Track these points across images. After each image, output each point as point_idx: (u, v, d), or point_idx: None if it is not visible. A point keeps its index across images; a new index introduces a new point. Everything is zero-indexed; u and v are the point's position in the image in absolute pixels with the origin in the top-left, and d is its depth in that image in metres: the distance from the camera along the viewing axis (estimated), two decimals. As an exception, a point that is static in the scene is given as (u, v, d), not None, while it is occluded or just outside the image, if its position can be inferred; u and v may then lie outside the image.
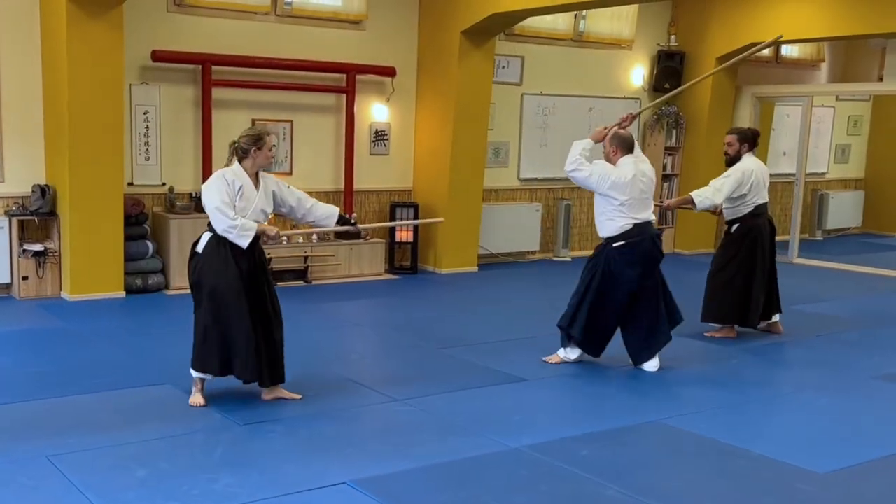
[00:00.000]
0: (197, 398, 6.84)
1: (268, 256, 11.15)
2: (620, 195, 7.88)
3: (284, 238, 11.31)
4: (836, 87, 17.23)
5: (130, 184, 10.96)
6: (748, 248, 9.30)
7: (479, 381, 7.70)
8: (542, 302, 10.99)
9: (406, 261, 12.85)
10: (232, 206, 6.59)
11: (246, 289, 6.66)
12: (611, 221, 8.00)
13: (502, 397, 7.31)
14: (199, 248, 6.76)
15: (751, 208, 9.26)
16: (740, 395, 7.60)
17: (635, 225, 7.95)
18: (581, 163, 7.99)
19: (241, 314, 6.64)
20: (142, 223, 10.88)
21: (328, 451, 6.00)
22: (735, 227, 9.34)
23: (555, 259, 14.32)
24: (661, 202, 9.51)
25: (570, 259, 14.32)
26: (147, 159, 11.10)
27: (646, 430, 6.66)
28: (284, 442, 6.16)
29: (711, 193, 9.08)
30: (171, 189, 11.13)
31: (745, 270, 9.30)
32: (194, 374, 6.86)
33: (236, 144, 6.76)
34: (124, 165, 10.60)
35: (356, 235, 11.92)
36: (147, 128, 11.05)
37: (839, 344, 9.46)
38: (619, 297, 8.06)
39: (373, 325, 9.82)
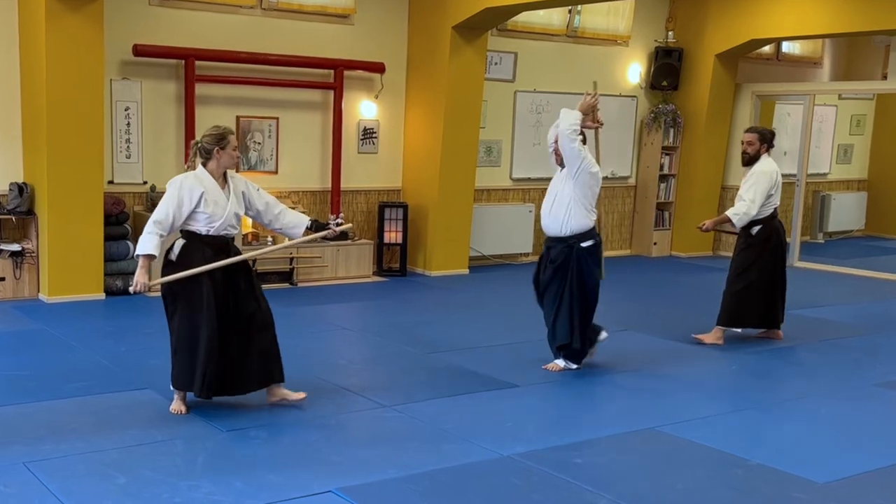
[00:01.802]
0: (178, 405, 6.82)
1: (254, 259, 11.20)
2: (598, 185, 7.98)
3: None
4: (839, 86, 17.27)
5: (111, 182, 10.97)
6: (772, 250, 9.44)
7: (470, 387, 7.72)
8: (534, 306, 10.98)
9: (395, 263, 12.87)
10: (167, 224, 6.55)
11: (220, 297, 6.63)
12: (588, 215, 8.02)
13: (493, 404, 7.33)
14: (173, 257, 6.71)
15: (771, 209, 9.40)
16: (738, 402, 7.63)
17: (596, 221, 8.02)
18: (579, 134, 7.96)
19: (210, 324, 6.58)
20: (122, 223, 10.89)
21: (314, 459, 6.01)
22: (757, 228, 9.39)
23: (548, 261, 14.33)
24: (702, 226, 9.57)
25: (564, 261, 14.33)
26: (128, 157, 11.11)
27: (641, 437, 6.68)
28: (268, 449, 6.17)
29: (748, 208, 9.18)
30: (152, 188, 11.13)
31: (768, 272, 9.41)
32: (171, 387, 6.86)
33: (199, 145, 6.71)
34: (104, 163, 10.59)
35: (344, 236, 11.91)
36: (128, 124, 11.05)
37: (841, 350, 9.49)
38: (592, 298, 8.14)
39: (360, 329, 9.82)
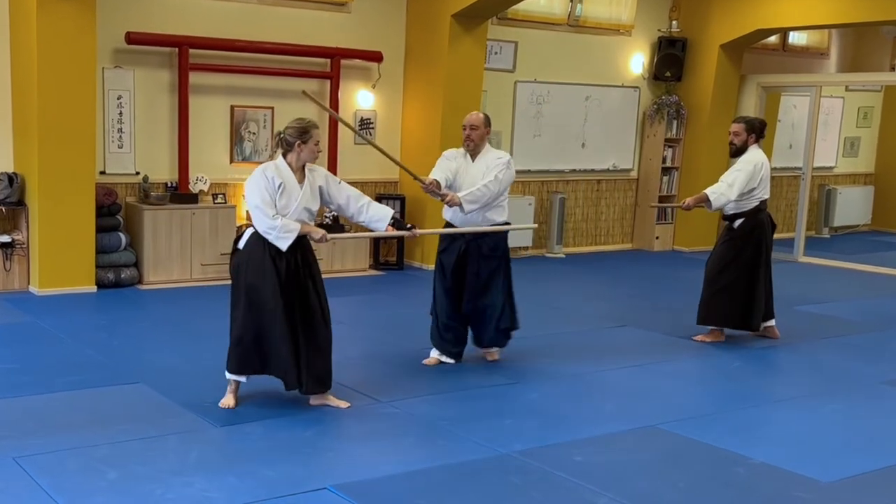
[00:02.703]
0: (227, 399, 6.85)
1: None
2: None
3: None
4: (846, 77, 17.29)
5: (103, 172, 10.97)
6: (754, 246, 9.29)
7: (468, 384, 7.74)
8: (533, 301, 11.01)
9: (392, 256, 12.88)
10: (273, 204, 6.55)
11: (284, 290, 6.64)
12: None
13: (491, 400, 7.36)
14: (241, 245, 6.75)
15: (756, 203, 9.24)
16: (740, 399, 7.65)
17: None
18: (490, 187, 7.94)
19: (276, 317, 6.61)
20: (114, 214, 10.89)
21: (309, 455, 6.03)
22: (739, 222, 9.29)
23: (548, 256, 14.35)
24: (682, 204, 9.46)
25: (563, 256, 14.36)
26: (120, 147, 11.11)
27: (642, 435, 6.71)
28: (263, 445, 6.19)
29: (726, 189, 9.04)
30: (145, 178, 11.13)
31: (750, 269, 9.27)
32: (228, 376, 6.86)
33: (281, 136, 6.70)
34: (96, 153, 10.60)
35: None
36: (120, 114, 11.06)
37: (846, 347, 9.51)
38: None
39: (356, 324, 9.83)
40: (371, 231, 7.23)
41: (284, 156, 6.71)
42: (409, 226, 7.25)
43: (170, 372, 7.67)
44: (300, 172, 6.74)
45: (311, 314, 6.77)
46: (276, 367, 6.74)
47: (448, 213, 8.18)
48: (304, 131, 6.65)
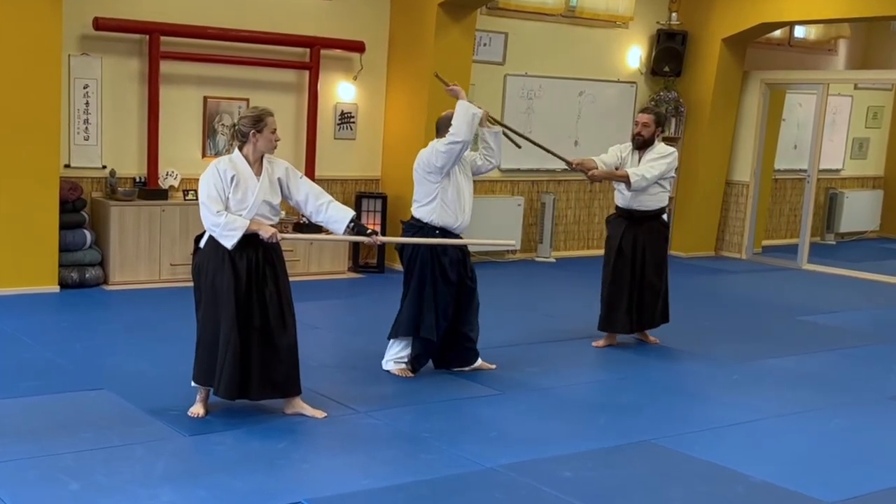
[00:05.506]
0: (197, 408, 6.84)
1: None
2: None
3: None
4: (855, 75, 17.33)
5: (67, 166, 10.95)
6: (666, 240, 9.60)
7: (451, 393, 7.75)
8: (521, 307, 11.03)
9: (372, 258, 12.87)
10: (220, 200, 6.53)
11: (242, 291, 6.62)
12: None
13: (476, 411, 7.37)
14: (201, 244, 6.76)
15: (668, 197, 9.44)
16: (740, 413, 7.65)
17: None
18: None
19: (229, 319, 6.59)
20: (79, 210, 10.87)
21: (282, 467, 6.04)
22: (664, 218, 9.47)
23: (537, 259, 14.36)
24: (588, 172, 9.44)
25: (553, 260, 14.37)
26: (86, 139, 11.09)
27: (635, 450, 6.72)
28: (234, 455, 6.19)
29: (649, 175, 9.06)
30: (112, 172, 11.11)
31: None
32: (194, 384, 6.88)
33: (236, 127, 6.71)
34: (60, 145, 10.58)
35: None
36: (87, 104, 11.04)
37: (852, 359, 9.54)
38: None
39: (333, 329, 9.84)
40: (329, 233, 7.19)
41: (241, 148, 6.71)
42: (369, 231, 7.18)
43: (136, 377, 7.67)
44: (258, 164, 6.72)
45: (268, 317, 6.76)
46: (215, 377, 6.69)
47: (423, 214, 8.22)
48: (258, 119, 6.64)
